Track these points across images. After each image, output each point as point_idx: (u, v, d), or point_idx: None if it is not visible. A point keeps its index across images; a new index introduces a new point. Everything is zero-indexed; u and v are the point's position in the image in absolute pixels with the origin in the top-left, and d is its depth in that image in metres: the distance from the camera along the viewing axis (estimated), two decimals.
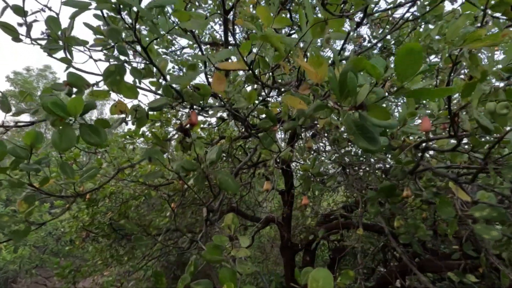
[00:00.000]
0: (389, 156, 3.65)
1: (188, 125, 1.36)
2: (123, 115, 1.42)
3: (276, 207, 9.00)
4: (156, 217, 5.95)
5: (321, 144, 3.94)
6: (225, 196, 2.07)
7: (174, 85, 1.53)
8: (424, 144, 1.98)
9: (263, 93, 1.63)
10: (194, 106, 1.53)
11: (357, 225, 2.73)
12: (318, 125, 2.23)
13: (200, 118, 3.46)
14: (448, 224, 1.43)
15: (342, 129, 3.50)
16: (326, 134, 3.08)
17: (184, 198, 5.32)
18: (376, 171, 4.02)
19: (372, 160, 3.79)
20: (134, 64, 1.68)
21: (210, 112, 2.69)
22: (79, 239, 5.35)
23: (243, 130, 5.37)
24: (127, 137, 4.09)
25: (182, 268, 7.35)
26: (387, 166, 3.44)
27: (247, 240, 1.19)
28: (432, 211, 3.40)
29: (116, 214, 4.64)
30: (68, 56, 1.43)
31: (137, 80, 1.61)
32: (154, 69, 1.82)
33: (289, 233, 5.89)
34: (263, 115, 1.82)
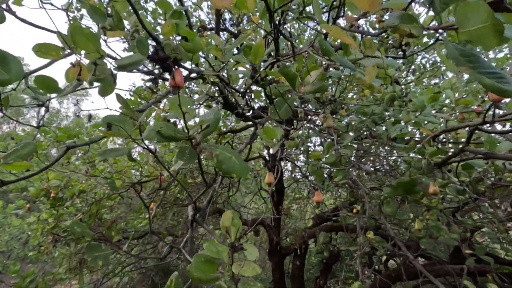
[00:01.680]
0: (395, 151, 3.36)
1: (171, 88, 0.96)
2: (77, 72, 1.00)
3: (263, 209, 8.62)
4: (134, 218, 5.43)
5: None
6: (216, 190, 1.68)
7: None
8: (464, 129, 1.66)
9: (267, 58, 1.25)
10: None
11: (363, 227, 2.39)
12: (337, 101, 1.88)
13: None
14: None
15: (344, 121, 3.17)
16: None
17: (165, 198, 4.85)
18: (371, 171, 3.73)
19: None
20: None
21: (196, 97, 2.28)
22: (45, 243, 4.77)
23: (234, 119, 4.93)
24: (101, 128, 3.59)
25: (161, 275, 6.81)
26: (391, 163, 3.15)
27: (254, 250, 0.81)
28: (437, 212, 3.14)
29: (87, 215, 4.11)
30: None
31: (101, 32, 1.20)
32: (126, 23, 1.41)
33: (278, 236, 5.53)
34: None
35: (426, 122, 2.20)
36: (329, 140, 1.70)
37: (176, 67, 1.07)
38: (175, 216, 5.26)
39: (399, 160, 3.84)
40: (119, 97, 1.02)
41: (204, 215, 1.61)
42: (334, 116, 2.04)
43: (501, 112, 2.44)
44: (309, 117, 2.99)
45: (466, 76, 4.72)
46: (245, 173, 0.87)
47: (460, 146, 1.68)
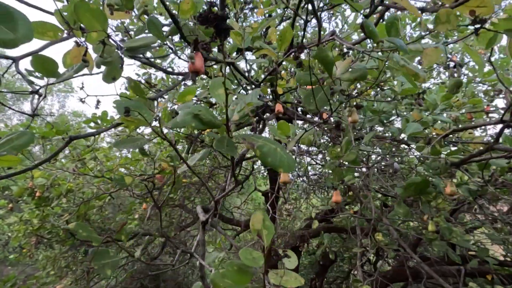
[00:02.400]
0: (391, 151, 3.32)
1: (192, 73, 0.85)
2: (82, 51, 0.88)
3: (254, 210, 8.53)
4: (123, 219, 5.22)
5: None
6: (227, 188, 1.57)
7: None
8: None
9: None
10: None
11: (371, 228, 2.33)
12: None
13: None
14: None
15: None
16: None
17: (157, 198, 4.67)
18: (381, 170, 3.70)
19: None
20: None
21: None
22: (27, 245, 4.51)
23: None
24: (92, 123, 3.41)
25: (150, 279, 6.60)
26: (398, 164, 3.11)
27: (294, 258, 0.70)
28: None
29: (74, 216, 3.90)
30: None
31: (106, 8, 1.07)
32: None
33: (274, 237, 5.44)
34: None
35: (438, 121, 2.16)
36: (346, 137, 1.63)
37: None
38: (167, 216, 5.09)
39: (393, 162, 3.82)
40: (130, 81, 0.89)
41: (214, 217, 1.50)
42: (362, 107, 1.96)
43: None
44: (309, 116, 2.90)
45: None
46: (293, 167, 0.77)
47: (488, 144, 1.64)
